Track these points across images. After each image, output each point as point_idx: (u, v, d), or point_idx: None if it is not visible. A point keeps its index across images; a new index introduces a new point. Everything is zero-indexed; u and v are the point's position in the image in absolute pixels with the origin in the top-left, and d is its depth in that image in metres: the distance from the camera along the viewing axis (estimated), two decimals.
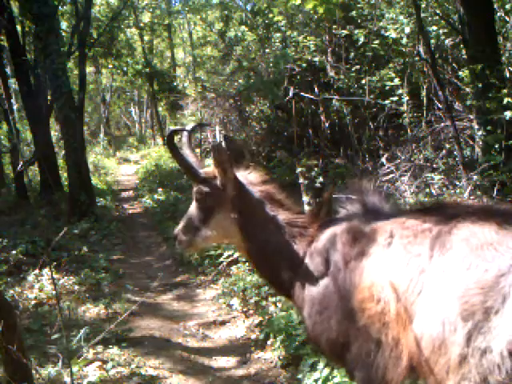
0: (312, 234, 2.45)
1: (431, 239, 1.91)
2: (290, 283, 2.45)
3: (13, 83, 14.25)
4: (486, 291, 1.64)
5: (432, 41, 8.80)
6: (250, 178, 2.72)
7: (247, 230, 2.55)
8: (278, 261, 2.49)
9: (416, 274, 1.89)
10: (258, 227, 2.54)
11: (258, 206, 2.59)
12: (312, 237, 2.44)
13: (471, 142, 7.96)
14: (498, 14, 8.36)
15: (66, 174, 11.23)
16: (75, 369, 3.50)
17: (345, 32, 10.25)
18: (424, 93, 9.24)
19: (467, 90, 8.49)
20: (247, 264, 5.88)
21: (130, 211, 11.70)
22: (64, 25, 15.57)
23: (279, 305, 4.57)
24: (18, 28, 11.76)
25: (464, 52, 8.13)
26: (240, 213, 2.54)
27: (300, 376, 3.44)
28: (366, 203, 2.34)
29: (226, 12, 15.26)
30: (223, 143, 2.63)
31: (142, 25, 21.92)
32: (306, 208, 5.48)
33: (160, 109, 23.19)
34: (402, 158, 8.65)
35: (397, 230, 2.07)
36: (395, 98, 9.17)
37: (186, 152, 2.65)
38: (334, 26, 10.77)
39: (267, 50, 12.63)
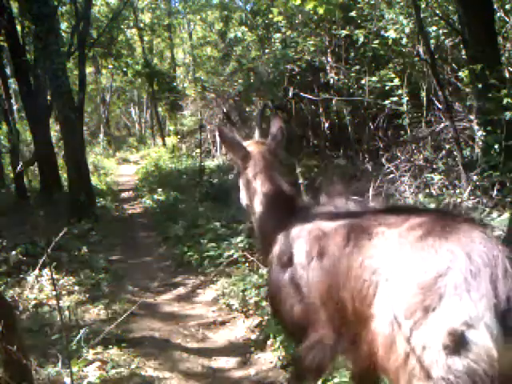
0: (289, 219, 2.61)
1: (383, 241, 2.04)
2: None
3: (12, 83, 14.26)
4: (424, 291, 1.75)
5: (432, 41, 8.80)
6: (262, 149, 2.90)
7: (251, 201, 2.85)
8: (264, 235, 2.74)
9: (369, 275, 2.01)
10: (255, 200, 2.81)
11: (254, 180, 2.81)
12: (288, 222, 2.60)
13: (471, 143, 7.96)
14: (498, 14, 8.36)
15: (65, 175, 11.24)
16: (75, 369, 3.50)
17: (345, 32, 10.24)
18: (424, 93, 9.24)
19: (467, 90, 8.50)
20: (247, 264, 5.88)
21: (130, 211, 11.71)
22: (64, 25, 15.58)
23: None
24: (18, 28, 11.77)
25: (464, 52, 8.14)
26: (246, 184, 2.86)
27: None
28: (334, 204, 2.51)
29: (226, 12, 15.27)
30: (226, 123, 2.86)
31: (141, 25, 21.92)
32: None
33: (160, 109, 23.20)
34: (402, 158, 8.66)
35: (355, 233, 2.18)
36: (395, 99, 9.18)
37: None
38: (334, 27, 10.77)
39: (267, 51, 12.63)
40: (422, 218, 2.03)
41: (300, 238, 2.47)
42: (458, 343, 1.69)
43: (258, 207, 2.81)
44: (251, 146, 2.95)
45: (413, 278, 1.82)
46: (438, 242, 1.85)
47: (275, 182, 2.79)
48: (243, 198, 2.95)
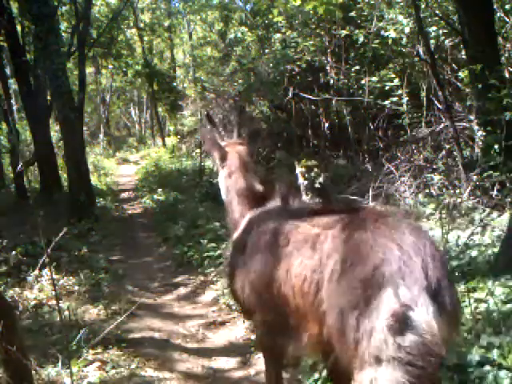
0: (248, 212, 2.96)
1: (320, 243, 2.27)
2: None
3: (12, 83, 14.26)
4: (365, 283, 1.97)
5: (432, 41, 8.80)
6: (238, 148, 3.20)
7: (227, 197, 3.16)
8: (235, 227, 3.01)
9: (310, 273, 2.24)
10: (230, 196, 3.12)
11: (230, 174, 3.13)
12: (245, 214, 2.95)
13: (471, 143, 7.96)
14: (498, 14, 8.36)
15: (65, 175, 11.23)
16: (75, 369, 3.50)
17: (344, 32, 10.25)
18: (424, 93, 9.24)
19: (467, 90, 8.50)
20: None
21: (130, 211, 11.70)
22: (64, 25, 15.58)
23: None
24: (18, 28, 11.76)
25: (464, 52, 8.14)
26: (223, 181, 3.18)
27: (300, 376, 3.44)
28: (288, 202, 2.75)
29: (226, 12, 15.27)
30: (207, 126, 3.34)
31: (141, 25, 21.91)
32: None
33: (160, 109, 23.19)
34: (402, 158, 8.66)
35: (295, 233, 2.42)
36: (395, 99, 9.19)
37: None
38: (334, 27, 10.78)
39: (267, 51, 12.62)
40: (354, 217, 2.25)
41: (253, 230, 2.73)
42: (401, 323, 1.87)
43: (232, 202, 3.10)
44: (229, 146, 3.22)
45: (353, 273, 2.02)
46: (371, 237, 2.06)
47: (248, 181, 3.06)
48: (223, 194, 3.22)
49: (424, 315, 1.88)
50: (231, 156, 3.16)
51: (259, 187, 3.07)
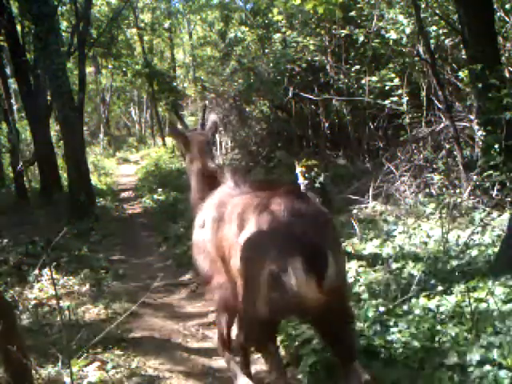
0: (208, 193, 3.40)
1: (242, 215, 2.75)
2: None
3: (12, 83, 14.26)
4: (256, 246, 2.52)
5: (432, 41, 8.80)
6: (199, 138, 3.73)
7: (190, 179, 3.72)
8: (195, 205, 3.51)
9: (233, 238, 2.74)
10: (192, 178, 3.67)
11: (191, 160, 3.65)
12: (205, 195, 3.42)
13: (471, 142, 7.96)
14: (498, 13, 8.35)
15: (65, 175, 11.23)
16: (75, 369, 3.50)
17: (345, 32, 10.25)
18: (424, 93, 9.24)
19: (467, 90, 8.50)
20: None
21: (130, 211, 11.70)
22: (64, 25, 15.58)
23: None
24: (18, 28, 11.76)
25: (464, 52, 8.14)
26: (187, 165, 3.76)
27: (300, 376, 3.44)
28: (235, 182, 3.23)
29: (226, 12, 15.26)
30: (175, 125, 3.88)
31: (142, 25, 21.90)
32: None
33: (160, 109, 23.18)
34: (402, 158, 8.66)
35: (234, 208, 2.89)
36: (395, 98, 9.19)
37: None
38: (334, 26, 10.78)
39: (267, 50, 12.62)
40: (262, 197, 2.75)
41: (210, 207, 3.22)
42: (276, 280, 2.39)
43: (193, 183, 3.64)
44: (192, 136, 3.75)
45: (252, 241, 2.56)
46: (270, 215, 2.56)
47: (205, 165, 3.59)
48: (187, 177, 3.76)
49: (293, 277, 2.37)
50: (193, 144, 3.67)
51: (215, 171, 3.56)
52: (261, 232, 2.51)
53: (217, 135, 15.71)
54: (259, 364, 3.94)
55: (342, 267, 2.74)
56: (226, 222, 2.89)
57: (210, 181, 3.47)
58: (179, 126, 4.02)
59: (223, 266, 2.92)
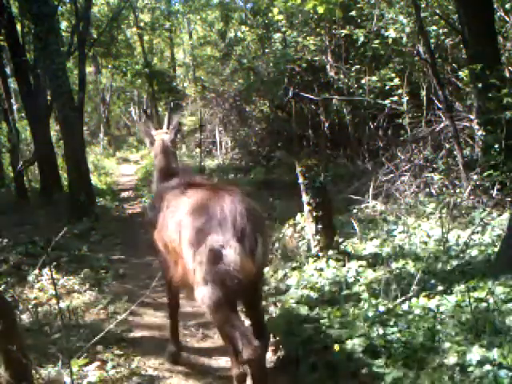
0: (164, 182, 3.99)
1: (185, 205, 3.37)
2: None
3: (12, 83, 14.25)
4: (199, 231, 3.05)
5: (432, 40, 8.81)
6: (163, 137, 4.21)
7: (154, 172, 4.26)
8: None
9: (177, 225, 3.33)
10: (155, 172, 4.20)
11: (155, 156, 4.17)
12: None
13: (471, 142, 7.96)
14: (498, 13, 8.36)
15: (65, 174, 11.22)
16: (75, 369, 3.50)
17: (345, 32, 10.25)
18: (424, 93, 9.25)
19: (467, 89, 8.50)
20: None
21: (130, 211, 11.69)
22: (64, 25, 15.57)
23: (279, 305, 4.57)
24: (18, 28, 11.75)
25: (464, 52, 8.14)
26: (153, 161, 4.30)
27: (300, 376, 3.44)
28: (184, 178, 3.83)
29: (226, 12, 15.26)
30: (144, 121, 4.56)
31: (142, 25, 21.89)
32: (306, 208, 5.47)
33: (160, 109, 23.17)
34: (402, 157, 8.66)
35: (178, 198, 3.55)
36: (395, 98, 9.19)
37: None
38: (334, 26, 10.78)
39: (267, 50, 12.62)
40: (205, 192, 3.36)
41: (159, 195, 3.86)
42: (216, 257, 2.93)
43: (154, 176, 4.18)
44: (157, 135, 4.23)
45: (194, 225, 3.11)
46: (208, 203, 3.15)
47: (166, 161, 4.08)
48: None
49: (232, 253, 2.91)
50: (157, 142, 4.16)
51: (174, 166, 4.08)
52: (204, 218, 3.09)
53: (218, 135, 15.73)
54: None
55: (267, 251, 3.41)
56: (175, 210, 3.48)
57: (169, 176, 3.99)
58: (144, 123, 4.49)
59: (172, 247, 3.46)
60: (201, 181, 3.86)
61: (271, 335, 4.13)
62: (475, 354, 3.00)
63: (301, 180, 5.45)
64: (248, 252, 2.93)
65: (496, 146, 6.78)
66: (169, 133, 4.23)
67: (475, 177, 6.97)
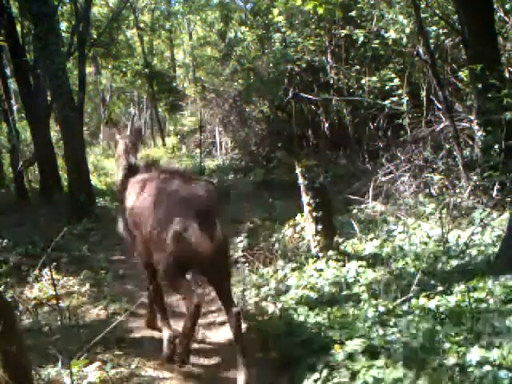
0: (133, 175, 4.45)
1: (156, 194, 3.81)
2: None
3: (12, 83, 14.24)
4: (166, 216, 3.56)
5: (432, 41, 8.81)
6: (125, 140, 4.76)
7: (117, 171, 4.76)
8: (120, 191, 4.55)
9: (146, 209, 3.82)
10: (118, 170, 4.67)
11: (118, 156, 4.70)
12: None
13: (471, 143, 7.96)
14: (498, 14, 8.36)
15: (65, 175, 11.22)
16: (75, 369, 3.49)
17: (344, 32, 10.25)
18: (424, 93, 9.25)
19: (467, 90, 8.50)
20: (247, 264, 5.89)
21: None
22: (64, 25, 15.56)
23: (279, 305, 4.57)
24: (18, 28, 11.74)
25: (464, 52, 8.14)
26: (115, 161, 4.79)
27: (299, 377, 3.44)
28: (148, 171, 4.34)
29: (226, 12, 15.26)
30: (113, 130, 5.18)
31: (142, 25, 21.88)
32: (306, 209, 5.47)
33: (160, 109, 23.17)
34: (402, 158, 8.66)
35: (149, 188, 3.98)
36: (395, 99, 9.19)
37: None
38: (334, 27, 10.78)
39: (267, 51, 12.62)
40: (170, 180, 3.87)
41: (128, 187, 4.31)
42: (178, 237, 3.45)
43: (119, 175, 4.62)
44: (121, 138, 4.81)
45: (162, 210, 3.65)
46: (173, 192, 3.70)
47: (128, 160, 4.60)
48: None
49: (192, 234, 3.41)
50: (120, 144, 4.72)
51: (135, 164, 4.61)
52: (168, 204, 3.62)
53: (218, 136, 15.73)
54: (259, 364, 3.95)
55: (226, 233, 3.77)
56: (141, 198, 3.98)
57: (131, 173, 4.49)
58: (110, 128, 5.24)
59: (141, 230, 3.93)
60: (163, 173, 4.26)
61: (271, 336, 4.14)
62: (475, 354, 2.99)
63: (301, 180, 5.46)
64: (207, 233, 3.40)
65: (496, 146, 6.78)
66: (130, 137, 4.82)
67: (475, 177, 6.97)
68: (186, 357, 3.78)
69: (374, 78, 9.90)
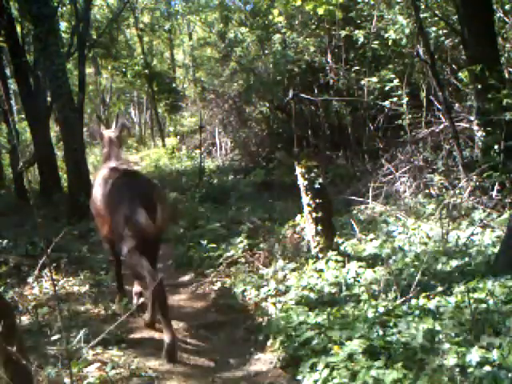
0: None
1: (111, 183, 4.70)
2: None
3: (12, 84, 14.25)
4: (119, 202, 4.45)
5: (431, 41, 8.80)
6: (110, 134, 5.55)
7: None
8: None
9: (105, 196, 4.70)
10: (103, 162, 5.51)
11: (103, 148, 5.52)
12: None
13: (471, 143, 7.97)
14: (498, 14, 8.36)
15: (65, 175, 11.23)
16: (75, 370, 3.50)
17: (344, 33, 10.25)
18: (423, 94, 9.25)
19: (467, 90, 8.50)
20: (247, 265, 5.89)
21: None
22: (64, 26, 15.57)
23: (279, 305, 4.57)
24: (18, 29, 11.75)
25: (463, 53, 8.14)
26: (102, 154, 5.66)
27: (300, 377, 3.44)
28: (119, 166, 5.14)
29: (226, 13, 15.26)
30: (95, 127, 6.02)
31: (141, 26, 21.88)
32: (306, 209, 5.47)
33: (159, 110, 23.17)
34: (402, 158, 8.67)
35: (110, 179, 4.78)
36: (395, 99, 9.19)
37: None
38: (334, 27, 10.78)
39: (267, 51, 12.62)
40: (125, 175, 4.80)
41: (99, 176, 5.05)
42: (129, 219, 4.27)
43: (102, 163, 5.44)
44: (106, 133, 5.55)
45: (115, 197, 4.54)
46: (125, 182, 4.62)
47: (111, 151, 5.40)
48: None
49: (140, 216, 4.20)
50: (105, 139, 5.48)
51: (117, 155, 5.36)
52: (119, 193, 4.53)
53: (217, 136, 15.72)
54: (259, 365, 3.95)
55: (166, 217, 4.61)
56: (102, 187, 4.79)
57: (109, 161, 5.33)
58: (96, 125, 5.86)
59: (101, 214, 4.78)
60: (124, 167, 5.12)
61: (271, 336, 4.14)
62: (475, 355, 2.99)
63: (300, 181, 5.46)
64: (150, 217, 4.22)
65: (495, 146, 6.78)
66: (114, 131, 5.58)
67: (475, 178, 6.97)
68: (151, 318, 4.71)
69: (374, 79, 9.89)
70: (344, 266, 5.02)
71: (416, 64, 9.55)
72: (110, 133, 5.53)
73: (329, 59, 11.11)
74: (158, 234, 4.47)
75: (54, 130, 15.46)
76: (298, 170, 5.47)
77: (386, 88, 9.50)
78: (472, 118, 7.58)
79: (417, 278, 4.26)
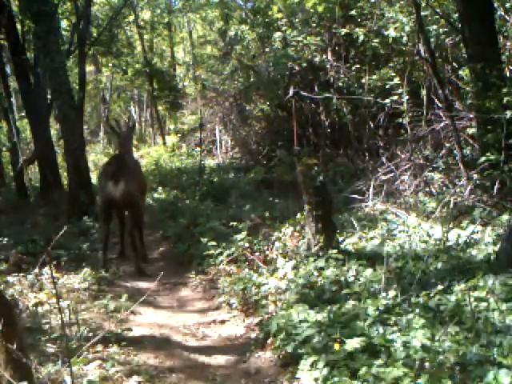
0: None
1: (109, 170, 6.72)
2: None
3: (12, 82, 14.24)
4: (107, 183, 6.47)
5: (432, 40, 8.80)
6: (124, 130, 7.54)
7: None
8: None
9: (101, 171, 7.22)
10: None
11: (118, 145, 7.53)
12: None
13: (471, 141, 7.96)
14: (498, 12, 8.35)
15: (65, 173, 11.23)
16: (75, 368, 3.50)
17: (345, 31, 10.24)
18: (424, 92, 9.24)
19: (467, 89, 8.50)
20: (247, 263, 5.89)
21: None
22: (64, 23, 15.55)
23: (279, 304, 4.58)
24: (18, 27, 11.74)
25: (464, 51, 8.14)
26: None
27: (300, 375, 3.44)
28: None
29: (226, 11, 15.24)
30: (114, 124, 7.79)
31: (141, 23, 21.84)
32: (307, 207, 5.47)
33: (160, 108, 23.15)
34: (402, 156, 8.66)
35: (109, 168, 6.83)
36: (395, 97, 9.18)
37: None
38: (334, 25, 10.77)
39: (267, 49, 12.61)
40: (113, 161, 6.97)
41: (102, 167, 7.27)
42: (103, 189, 6.56)
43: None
44: (121, 132, 7.41)
45: (108, 177, 6.53)
46: (109, 164, 7.00)
47: (123, 148, 7.21)
48: None
49: (110, 186, 6.32)
50: (120, 136, 7.38)
51: (128, 149, 7.30)
52: (105, 171, 6.62)
53: (218, 134, 15.72)
54: (259, 363, 3.95)
55: (134, 187, 6.49)
56: (102, 167, 6.91)
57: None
58: (114, 124, 7.73)
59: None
60: (121, 157, 6.94)
61: (271, 334, 4.14)
62: (475, 353, 3.00)
63: (301, 179, 5.45)
64: (116, 186, 6.21)
65: (496, 145, 6.77)
66: (128, 130, 7.54)
67: (475, 176, 6.97)
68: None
69: (375, 77, 9.89)
70: (344, 264, 5.02)
71: (416, 62, 9.54)
72: (124, 133, 7.43)
73: (329, 57, 11.10)
74: (125, 200, 6.33)
75: (55, 128, 15.45)
76: (299, 168, 5.47)
77: (387, 86, 9.50)
78: (472, 116, 7.58)
79: (417, 276, 4.26)
